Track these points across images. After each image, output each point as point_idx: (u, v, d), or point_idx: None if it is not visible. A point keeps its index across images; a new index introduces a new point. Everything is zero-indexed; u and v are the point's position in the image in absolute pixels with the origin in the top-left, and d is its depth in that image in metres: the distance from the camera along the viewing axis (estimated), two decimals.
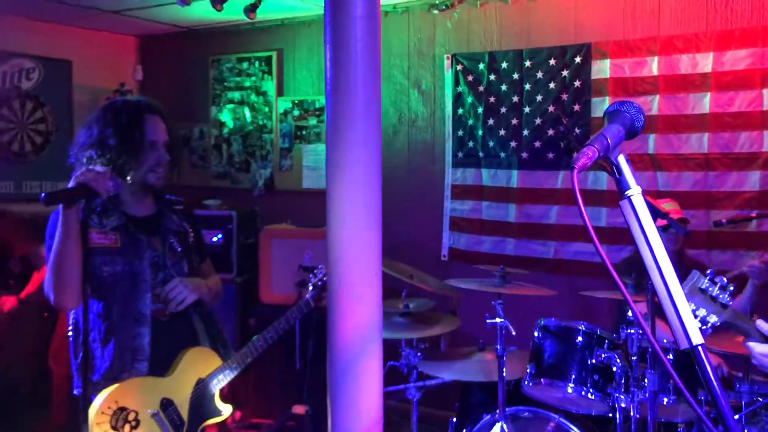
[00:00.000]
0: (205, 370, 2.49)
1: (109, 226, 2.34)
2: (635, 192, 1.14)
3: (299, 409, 4.36)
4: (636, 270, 3.11)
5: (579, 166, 1.08)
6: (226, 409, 2.55)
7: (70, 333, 2.38)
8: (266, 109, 5.59)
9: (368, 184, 2.24)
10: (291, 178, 5.50)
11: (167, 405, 2.37)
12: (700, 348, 1.06)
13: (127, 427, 2.26)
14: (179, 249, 2.49)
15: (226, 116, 5.77)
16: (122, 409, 2.26)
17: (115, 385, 2.28)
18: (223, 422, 4.59)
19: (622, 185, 1.15)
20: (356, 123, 2.35)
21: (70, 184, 2.09)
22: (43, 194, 2.02)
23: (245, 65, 5.65)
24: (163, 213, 2.50)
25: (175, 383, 2.41)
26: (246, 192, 5.68)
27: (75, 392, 2.34)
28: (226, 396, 2.57)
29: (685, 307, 1.08)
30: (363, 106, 2.38)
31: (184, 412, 2.41)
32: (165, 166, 2.44)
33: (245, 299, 4.98)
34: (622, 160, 1.15)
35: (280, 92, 5.53)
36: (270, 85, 5.55)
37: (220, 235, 5.03)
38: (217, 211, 5.14)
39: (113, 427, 2.24)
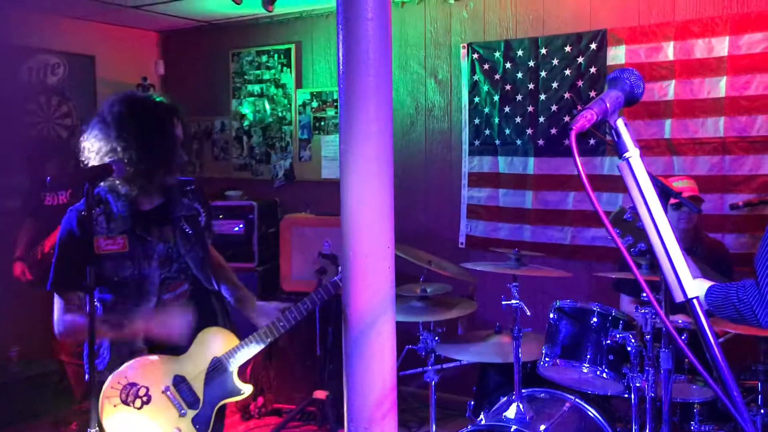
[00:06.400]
0: (222, 349, 2.51)
1: (117, 230, 2.36)
2: (633, 154, 1.19)
3: (320, 394, 4.44)
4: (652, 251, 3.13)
5: (577, 127, 1.13)
6: (245, 389, 2.53)
7: None
8: (285, 101, 5.66)
9: (379, 159, 2.30)
10: (310, 169, 5.58)
11: (179, 381, 2.40)
12: (695, 301, 1.11)
13: (138, 402, 2.30)
14: (191, 232, 2.48)
15: (246, 109, 5.86)
16: (132, 384, 2.31)
17: (126, 363, 2.33)
18: (246, 407, 4.73)
19: (620, 148, 1.19)
20: (368, 113, 2.42)
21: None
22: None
23: (264, 58, 5.73)
24: (173, 199, 2.48)
25: (189, 361, 2.44)
26: (267, 183, 5.77)
27: (87, 378, 2.41)
28: (247, 381, 2.58)
29: (681, 262, 1.13)
30: (374, 97, 2.45)
31: (198, 390, 2.43)
32: (184, 165, 2.47)
33: (266, 288, 5.06)
34: (620, 123, 1.20)
35: (298, 84, 5.60)
36: (289, 78, 5.62)
37: (241, 225, 5.12)
38: (239, 202, 5.23)
39: (123, 402, 2.29)
